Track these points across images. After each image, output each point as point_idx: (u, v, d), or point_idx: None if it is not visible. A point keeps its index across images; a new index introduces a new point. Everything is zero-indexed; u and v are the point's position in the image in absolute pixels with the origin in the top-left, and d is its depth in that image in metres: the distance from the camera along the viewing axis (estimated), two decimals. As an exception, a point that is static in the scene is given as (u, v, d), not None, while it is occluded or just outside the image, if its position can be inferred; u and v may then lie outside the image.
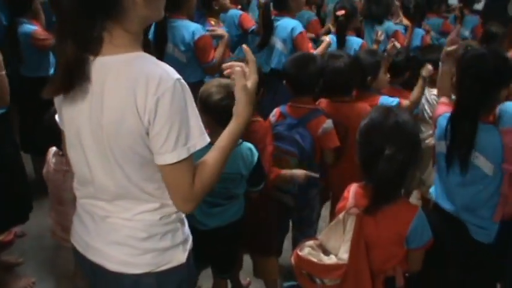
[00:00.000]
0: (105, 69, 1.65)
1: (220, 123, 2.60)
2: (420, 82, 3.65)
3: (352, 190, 2.36)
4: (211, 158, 1.79)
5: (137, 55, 1.68)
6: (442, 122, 2.66)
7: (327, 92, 3.36)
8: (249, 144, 2.76)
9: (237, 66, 1.86)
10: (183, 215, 1.93)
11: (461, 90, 2.57)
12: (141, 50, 1.72)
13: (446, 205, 2.70)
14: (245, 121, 1.86)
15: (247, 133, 2.86)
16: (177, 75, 1.65)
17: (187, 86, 1.68)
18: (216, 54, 4.14)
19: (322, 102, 3.43)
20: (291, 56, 3.47)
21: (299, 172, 3.08)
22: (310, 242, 2.35)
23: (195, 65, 4.12)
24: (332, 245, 2.30)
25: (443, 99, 2.87)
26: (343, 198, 2.40)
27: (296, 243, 3.38)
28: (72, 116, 1.76)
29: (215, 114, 2.53)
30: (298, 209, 3.37)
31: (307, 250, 2.30)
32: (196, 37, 4.05)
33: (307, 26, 5.72)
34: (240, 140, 2.72)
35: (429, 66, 3.66)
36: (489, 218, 2.61)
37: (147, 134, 1.66)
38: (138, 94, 1.60)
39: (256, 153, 2.76)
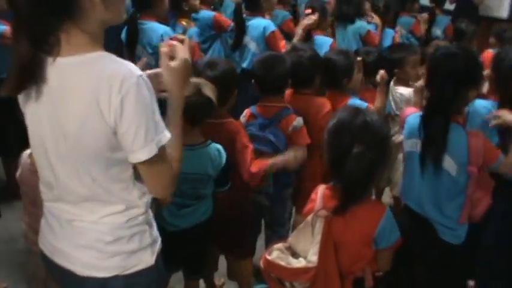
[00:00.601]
0: (64, 70, 1.64)
1: (188, 121, 2.63)
2: (379, 89, 3.70)
3: (320, 192, 2.36)
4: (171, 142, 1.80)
5: (98, 55, 1.66)
6: (412, 120, 2.67)
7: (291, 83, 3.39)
8: (218, 145, 2.78)
9: (170, 45, 1.89)
10: (151, 217, 1.93)
11: (432, 88, 2.59)
12: (102, 50, 1.70)
13: (413, 205, 2.71)
14: (178, 97, 1.90)
15: (219, 134, 2.92)
16: (139, 72, 1.65)
17: (149, 82, 1.68)
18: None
19: (287, 93, 3.43)
20: (259, 57, 3.48)
21: (288, 156, 3.10)
22: (279, 245, 2.34)
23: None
24: (301, 247, 2.29)
25: None
26: (311, 200, 2.39)
27: (269, 243, 3.41)
28: (33, 118, 1.75)
29: (184, 111, 2.52)
30: (271, 209, 3.37)
31: (276, 254, 2.29)
32: (165, 40, 4.04)
33: (281, 25, 5.75)
34: (209, 141, 2.76)
35: (382, 72, 3.71)
36: (456, 220, 2.63)
37: (114, 133, 1.65)
38: (100, 95, 1.59)
39: (224, 154, 2.78)
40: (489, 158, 2.61)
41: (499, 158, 2.64)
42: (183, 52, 1.88)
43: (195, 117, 2.66)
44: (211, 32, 5.22)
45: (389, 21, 6.06)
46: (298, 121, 3.18)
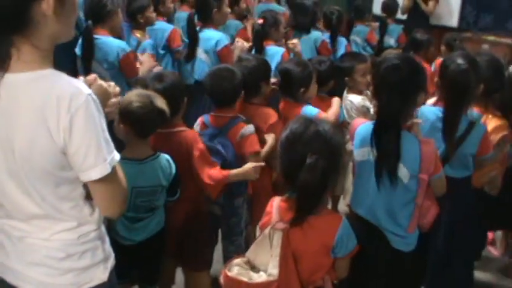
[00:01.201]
0: (14, 86, 1.61)
1: (139, 133, 2.62)
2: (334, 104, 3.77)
3: (275, 204, 2.36)
4: None
5: (48, 72, 1.64)
6: (363, 130, 2.67)
7: None
8: (166, 156, 2.81)
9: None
10: (104, 232, 1.92)
11: (381, 101, 2.59)
12: (51, 67, 1.68)
13: (365, 213, 2.70)
14: None
15: (173, 143, 2.94)
16: (88, 90, 1.64)
17: (98, 101, 1.67)
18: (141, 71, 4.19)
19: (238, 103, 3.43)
20: (210, 69, 3.48)
21: (247, 167, 3.08)
22: (238, 260, 2.33)
23: (119, 82, 4.04)
24: (260, 261, 2.28)
25: None
26: (267, 213, 2.39)
27: (226, 253, 3.43)
28: None
29: (134, 122, 2.55)
30: (226, 218, 3.36)
31: (236, 269, 2.28)
32: (120, 56, 4.07)
33: (236, 35, 5.79)
34: (158, 153, 2.78)
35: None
36: (406, 228, 2.64)
37: (63, 153, 1.64)
38: (49, 114, 1.58)
39: (173, 164, 2.81)
40: (434, 168, 2.63)
41: (441, 171, 2.67)
42: (100, 80, 1.88)
43: (146, 130, 2.68)
44: (165, 44, 5.17)
45: (343, 30, 6.11)
46: (246, 129, 3.19)
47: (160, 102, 2.66)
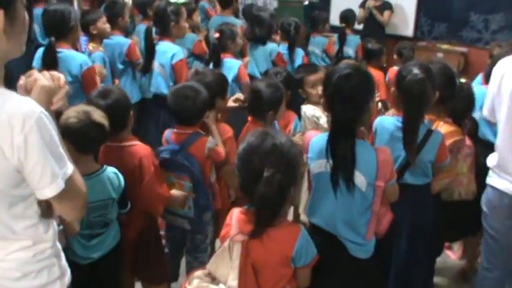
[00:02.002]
0: None
1: (79, 149, 2.62)
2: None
3: (235, 216, 2.36)
4: None
5: None
6: (317, 142, 2.68)
7: None
8: (113, 168, 2.82)
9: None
10: (60, 249, 1.91)
11: (334, 111, 2.59)
12: (2, 85, 1.67)
13: (322, 223, 2.72)
14: None
15: (123, 157, 2.96)
16: (40, 108, 1.63)
17: (50, 117, 1.67)
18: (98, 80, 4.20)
19: None
20: (173, 88, 3.42)
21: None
22: (199, 273, 2.32)
23: (80, 96, 4.08)
24: (220, 272, 2.27)
25: None
26: (226, 225, 2.39)
27: (189, 268, 3.40)
28: None
29: (73, 137, 2.54)
30: (192, 233, 3.35)
31: (196, 282, 2.27)
32: (84, 69, 4.05)
33: (193, 48, 5.89)
34: (104, 167, 2.79)
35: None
36: (359, 237, 2.66)
37: (18, 171, 1.63)
38: (1, 133, 1.57)
39: (121, 176, 2.82)
40: (390, 175, 2.66)
41: (394, 178, 2.71)
42: (40, 80, 1.83)
43: (85, 145, 2.68)
44: (124, 58, 5.15)
45: (301, 41, 6.17)
46: (210, 142, 3.20)
47: (99, 116, 2.66)
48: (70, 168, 1.73)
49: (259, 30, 5.39)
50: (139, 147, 3.04)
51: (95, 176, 2.74)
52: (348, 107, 2.52)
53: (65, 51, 4.04)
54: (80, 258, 2.69)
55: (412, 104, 2.93)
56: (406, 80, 2.93)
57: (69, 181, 1.72)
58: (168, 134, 3.32)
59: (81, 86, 4.10)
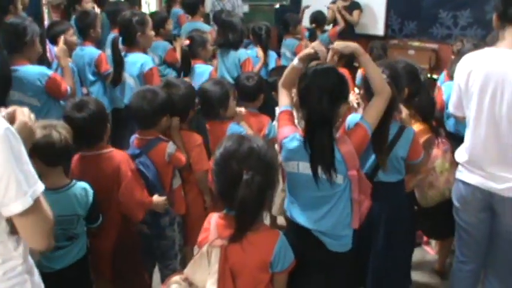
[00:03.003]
0: None
1: (46, 163, 2.62)
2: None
3: (213, 221, 2.36)
4: None
5: None
6: (289, 143, 2.69)
7: None
8: (83, 184, 2.82)
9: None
10: (32, 264, 1.90)
11: (310, 105, 2.59)
12: None
13: (302, 221, 2.73)
14: None
15: (99, 165, 2.98)
16: (5, 124, 1.64)
17: (16, 134, 1.67)
18: (67, 83, 4.19)
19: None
20: (135, 91, 3.45)
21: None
22: (176, 278, 2.32)
23: (50, 104, 4.10)
24: (198, 278, 2.28)
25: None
26: (204, 230, 2.39)
27: (163, 277, 3.41)
28: None
29: (39, 151, 2.53)
30: (156, 240, 3.35)
31: (174, 287, 2.28)
32: (44, 81, 4.01)
33: (165, 56, 5.86)
34: (73, 182, 2.79)
35: None
36: (344, 228, 2.69)
37: None
38: None
39: (91, 192, 2.82)
40: (360, 135, 2.66)
41: (364, 124, 2.68)
42: (22, 115, 1.86)
43: (51, 159, 2.68)
44: (94, 69, 5.13)
45: (273, 44, 6.19)
46: (170, 147, 3.22)
47: (63, 130, 2.67)
48: (40, 187, 1.72)
49: (232, 35, 5.40)
50: (116, 153, 3.08)
51: (63, 191, 2.75)
52: (325, 98, 2.54)
53: (21, 69, 3.94)
54: (42, 266, 2.60)
55: None
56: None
57: (38, 201, 1.71)
58: (132, 138, 3.34)
59: (47, 95, 4.08)
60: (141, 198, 3.06)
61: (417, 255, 4.16)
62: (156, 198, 3.13)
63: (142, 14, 4.89)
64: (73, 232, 2.78)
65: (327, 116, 2.56)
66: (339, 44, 2.73)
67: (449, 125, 4.46)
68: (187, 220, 3.44)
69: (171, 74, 5.62)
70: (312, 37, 7.11)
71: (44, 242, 1.79)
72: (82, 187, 2.80)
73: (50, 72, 4.12)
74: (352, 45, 2.73)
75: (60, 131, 2.65)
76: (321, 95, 2.55)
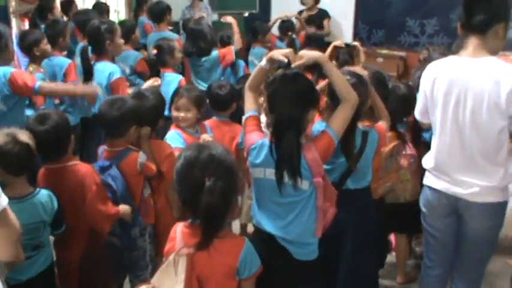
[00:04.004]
0: None
1: (10, 171, 2.61)
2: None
3: (179, 231, 2.36)
4: None
5: None
6: (256, 149, 2.71)
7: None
8: (47, 191, 2.82)
9: None
10: (2, 281, 1.90)
11: (278, 109, 2.60)
12: None
13: (269, 228, 2.74)
14: None
15: (64, 177, 2.96)
16: None
17: None
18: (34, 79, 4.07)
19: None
20: (103, 100, 3.44)
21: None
22: (143, 287, 2.32)
23: (17, 108, 4.05)
24: (166, 287, 2.28)
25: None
26: (170, 239, 2.40)
27: (133, 287, 3.40)
28: None
29: (1, 160, 2.54)
30: (127, 251, 3.34)
31: None
32: (7, 80, 3.91)
33: (135, 66, 5.81)
34: (37, 190, 2.79)
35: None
36: (310, 236, 2.71)
37: None
38: None
39: (55, 198, 2.83)
40: (326, 144, 2.66)
41: (330, 131, 2.68)
42: None
43: (14, 167, 2.67)
44: (63, 79, 5.08)
45: (242, 52, 6.22)
46: (141, 156, 3.21)
47: (24, 138, 2.65)
48: (4, 200, 1.71)
49: (203, 43, 5.40)
50: (81, 167, 3.05)
51: (28, 199, 2.74)
52: (293, 103, 2.56)
53: None
54: (9, 279, 2.62)
55: None
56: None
57: (4, 213, 1.70)
58: (101, 150, 3.31)
59: (14, 98, 4.00)
60: (106, 210, 3.03)
61: (387, 261, 4.22)
62: (122, 207, 3.11)
63: (110, 22, 4.89)
64: (39, 240, 2.78)
65: (295, 121, 2.57)
66: (304, 55, 2.74)
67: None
68: (158, 230, 3.43)
69: (142, 84, 5.61)
70: (289, 46, 7.12)
71: (10, 253, 1.79)
72: (47, 194, 2.81)
73: (12, 69, 4.02)
74: (315, 54, 2.75)
75: (21, 139, 2.63)
76: (289, 100, 2.57)
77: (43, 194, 2.79)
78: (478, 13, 2.84)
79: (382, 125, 3.19)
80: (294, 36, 7.50)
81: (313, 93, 2.70)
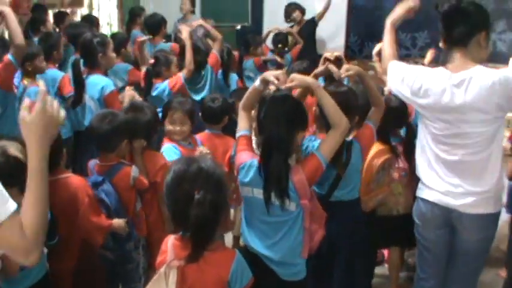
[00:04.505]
0: None
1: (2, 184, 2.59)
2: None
3: (170, 243, 2.37)
4: (27, 203, 1.79)
5: None
6: (245, 168, 2.74)
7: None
8: None
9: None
10: None
11: (267, 130, 2.64)
12: None
13: (256, 246, 2.76)
14: (36, 151, 1.84)
15: (56, 190, 2.88)
16: None
17: None
18: None
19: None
20: (95, 114, 3.45)
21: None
22: None
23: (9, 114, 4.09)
24: None
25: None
26: (162, 252, 2.40)
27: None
28: None
29: None
30: (121, 264, 3.33)
31: None
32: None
33: (129, 78, 5.77)
34: None
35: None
36: (296, 256, 2.73)
37: None
38: None
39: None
40: (312, 167, 2.68)
41: (317, 155, 2.70)
42: (39, 105, 1.83)
43: (5, 178, 2.61)
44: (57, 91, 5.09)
45: (234, 65, 6.23)
46: (134, 171, 3.23)
47: (14, 150, 2.62)
48: (12, 206, 1.74)
49: (199, 56, 5.40)
50: (73, 179, 3.04)
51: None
52: (283, 124, 2.59)
53: None
54: None
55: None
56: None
57: (10, 220, 1.72)
58: (92, 164, 3.32)
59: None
60: (99, 222, 3.03)
61: (380, 274, 4.22)
62: (116, 221, 3.11)
63: (103, 36, 4.93)
64: None
65: (283, 142, 2.60)
66: (295, 78, 2.78)
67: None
68: (150, 242, 3.44)
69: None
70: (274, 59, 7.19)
71: (23, 257, 1.79)
72: None
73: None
74: (306, 79, 2.80)
75: (9, 151, 2.61)
76: (278, 121, 2.60)
77: None
78: (457, 25, 2.88)
79: (363, 130, 3.17)
80: (286, 49, 7.53)
81: (302, 116, 2.73)
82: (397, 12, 3.17)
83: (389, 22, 3.24)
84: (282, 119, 2.60)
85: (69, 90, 4.94)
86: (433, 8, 2.98)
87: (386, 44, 3.31)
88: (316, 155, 2.69)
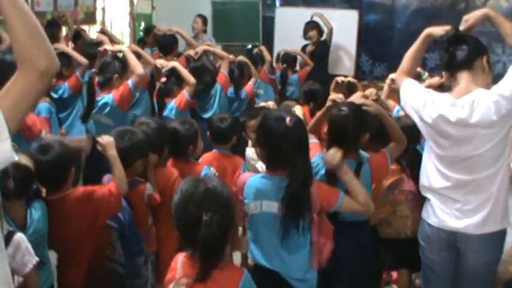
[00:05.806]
0: None
1: (9, 197, 2.63)
2: None
3: (179, 261, 2.37)
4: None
5: None
6: (253, 182, 2.82)
7: None
8: (39, 203, 2.86)
9: None
10: None
11: (293, 160, 2.74)
12: None
13: (266, 263, 2.80)
14: None
15: (65, 206, 2.96)
16: None
17: None
18: None
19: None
20: (115, 130, 3.46)
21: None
22: None
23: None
24: None
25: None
26: (171, 269, 2.39)
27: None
28: None
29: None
30: (129, 279, 3.33)
31: None
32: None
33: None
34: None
35: None
36: (308, 269, 2.78)
37: None
38: None
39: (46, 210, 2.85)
40: (328, 200, 2.80)
41: (339, 198, 2.84)
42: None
43: (18, 191, 2.67)
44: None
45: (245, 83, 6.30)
46: (148, 188, 3.28)
47: (26, 161, 2.68)
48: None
49: (206, 76, 5.46)
50: (81, 191, 3.06)
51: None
52: (304, 154, 2.78)
53: None
54: None
55: (333, 138, 3.12)
56: (331, 116, 3.16)
57: None
58: (107, 179, 3.32)
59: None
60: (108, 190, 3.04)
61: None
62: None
63: (122, 60, 4.94)
64: (41, 255, 2.77)
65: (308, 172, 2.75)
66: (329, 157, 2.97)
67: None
68: (159, 257, 3.46)
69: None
70: (283, 77, 7.27)
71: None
72: (39, 205, 2.85)
73: None
74: (333, 163, 2.95)
75: (22, 160, 2.64)
76: (301, 153, 2.76)
77: (37, 207, 2.83)
78: (460, 50, 2.96)
79: (378, 157, 3.25)
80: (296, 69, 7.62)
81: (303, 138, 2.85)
82: (436, 29, 3.18)
83: (425, 32, 3.24)
84: (304, 146, 2.80)
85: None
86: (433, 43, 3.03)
87: (409, 55, 3.36)
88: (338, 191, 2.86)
